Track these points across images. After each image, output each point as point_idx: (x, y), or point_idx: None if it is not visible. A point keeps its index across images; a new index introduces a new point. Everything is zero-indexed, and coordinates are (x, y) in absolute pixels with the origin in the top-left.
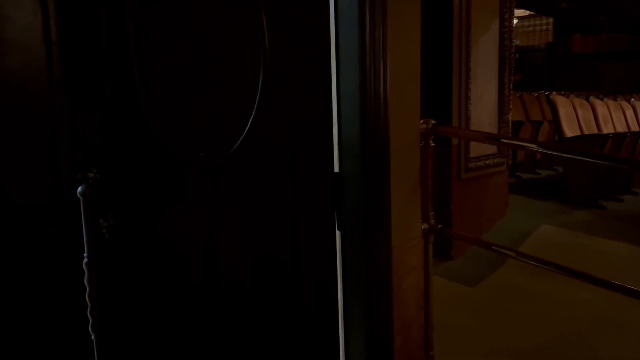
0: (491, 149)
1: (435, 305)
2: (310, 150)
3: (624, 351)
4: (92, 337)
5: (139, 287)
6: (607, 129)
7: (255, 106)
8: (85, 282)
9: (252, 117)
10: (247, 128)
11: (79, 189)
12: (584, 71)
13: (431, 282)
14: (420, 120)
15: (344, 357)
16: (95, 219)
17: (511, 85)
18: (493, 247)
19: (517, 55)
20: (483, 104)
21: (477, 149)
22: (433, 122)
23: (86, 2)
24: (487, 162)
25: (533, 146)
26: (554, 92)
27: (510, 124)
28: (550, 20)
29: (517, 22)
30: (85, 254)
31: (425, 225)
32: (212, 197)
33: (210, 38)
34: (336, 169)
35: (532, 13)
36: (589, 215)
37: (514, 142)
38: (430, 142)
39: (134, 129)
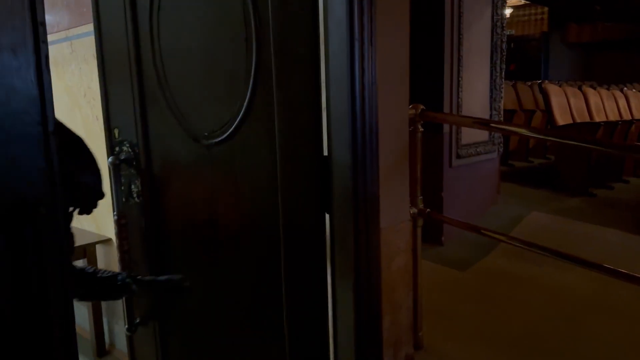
0: (483, 136)
1: (425, 289)
2: (298, 134)
3: (614, 333)
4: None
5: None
6: (599, 118)
7: (249, 92)
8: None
9: (246, 101)
10: (242, 111)
11: (109, 159)
12: (579, 61)
13: (420, 265)
14: (410, 105)
15: (332, 337)
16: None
17: (503, 73)
18: (481, 231)
19: (512, 44)
20: (475, 92)
21: (469, 136)
22: (422, 107)
23: None
24: (478, 149)
25: (523, 131)
26: (546, 81)
27: (501, 112)
28: (546, 9)
29: (512, 12)
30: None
31: (413, 209)
32: (212, 169)
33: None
34: (326, 153)
35: (527, 2)
36: (580, 203)
37: (503, 126)
38: (419, 127)
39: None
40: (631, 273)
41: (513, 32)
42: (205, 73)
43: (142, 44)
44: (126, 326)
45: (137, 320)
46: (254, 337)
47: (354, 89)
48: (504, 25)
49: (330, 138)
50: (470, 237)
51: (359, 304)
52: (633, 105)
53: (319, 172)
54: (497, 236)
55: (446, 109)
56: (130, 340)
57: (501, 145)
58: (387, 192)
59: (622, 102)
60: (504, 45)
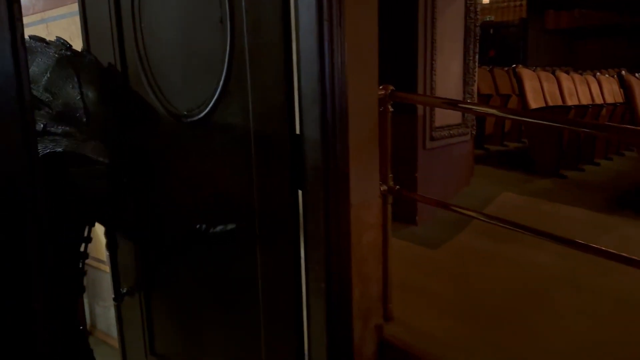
0: (456, 119)
1: (398, 267)
2: (271, 113)
3: (580, 305)
4: None
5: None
6: (571, 102)
7: (224, 72)
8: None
9: (221, 81)
10: (218, 91)
11: None
12: (558, 47)
13: (390, 240)
14: (380, 86)
15: (306, 305)
16: None
17: (476, 57)
18: (452, 207)
19: (492, 30)
20: (448, 75)
21: (442, 119)
22: (392, 88)
23: None
24: (451, 131)
25: (489, 110)
26: (520, 66)
27: (475, 95)
28: None
29: None
30: None
31: (384, 187)
32: (193, 146)
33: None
34: (298, 132)
35: None
36: (550, 184)
37: (470, 106)
38: (389, 107)
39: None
40: (590, 244)
41: (492, 18)
42: (184, 54)
43: (124, 26)
44: (113, 296)
45: (124, 291)
46: (232, 305)
47: (323, 69)
48: (477, 10)
49: (302, 117)
50: (443, 217)
51: (329, 276)
52: (606, 90)
53: (291, 150)
54: (464, 211)
55: (420, 92)
56: (117, 309)
57: (474, 128)
58: (358, 169)
59: (595, 87)
60: (477, 30)
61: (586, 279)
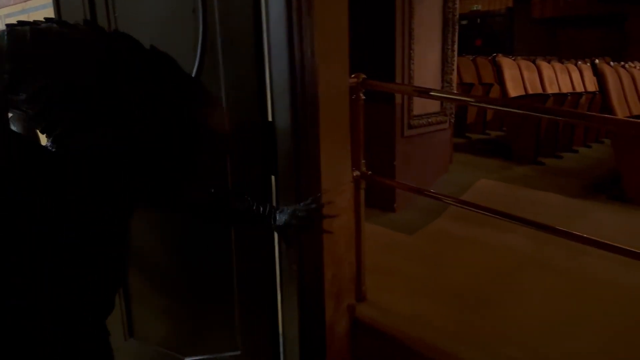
0: (434, 107)
1: (375, 251)
2: (244, 100)
3: (545, 284)
4: None
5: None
6: (552, 90)
7: (197, 61)
8: None
9: (194, 70)
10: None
11: None
12: (544, 36)
13: (363, 224)
14: (352, 75)
15: (279, 286)
16: None
17: (455, 46)
18: (425, 192)
19: (479, 20)
20: (426, 65)
21: (420, 107)
22: (363, 76)
23: None
24: (430, 120)
25: (463, 98)
26: (500, 55)
27: (454, 84)
28: None
29: None
30: None
31: (356, 172)
32: None
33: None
34: (271, 119)
35: None
36: (528, 171)
37: (442, 95)
38: (361, 95)
39: None
40: (557, 227)
41: (479, 7)
42: (158, 44)
43: (98, 15)
44: None
45: None
46: (207, 289)
47: (292, 58)
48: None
49: (274, 105)
50: (421, 204)
51: (301, 258)
52: (587, 78)
53: (263, 137)
54: (437, 196)
55: (398, 81)
56: None
57: (452, 116)
58: (329, 155)
59: (576, 76)
60: (455, 19)
61: (555, 261)
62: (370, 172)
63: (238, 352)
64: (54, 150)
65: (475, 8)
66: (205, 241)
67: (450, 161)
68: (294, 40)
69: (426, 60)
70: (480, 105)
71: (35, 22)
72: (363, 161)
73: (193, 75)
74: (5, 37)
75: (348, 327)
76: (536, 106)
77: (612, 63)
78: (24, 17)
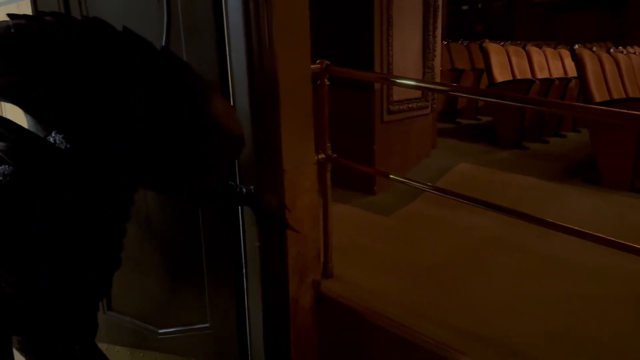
0: (415, 93)
1: (351, 232)
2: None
3: (510, 263)
4: None
5: None
6: (542, 75)
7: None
8: None
9: None
10: None
11: None
12: (544, 21)
13: (330, 204)
14: (317, 61)
15: (244, 262)
16: None
17: (437, 32)
18: (390, 176)
19: (479, 5)
20: (407, 51)
21: (400, 93)
22: (327, 62)
23: None
24: (410, 105)
25: (429, 86)
26: (486, 40)
27: (436, 70)
28: None
29: None
30: None
31: (322, 155)
32: None
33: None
34: (232, 104)
35: None
36: (510, 155)
37: (403, 81)
38: (325, 80)
39: None
40: (518, 209)
41: None
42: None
43: (71, 8)
44: None
45: None
46: (179, 266)
47: (250, 45)
48: None
49: (234, 90)
50: (400, 187)
51: (263, 236)
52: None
53: None
54: (403, 180)
55: (377, 68)
56: None
57: (434, 102)
58: (291, 138)
59: (568, 61)
60: (437, 5)
61: (524, 241)
62: (335, 155)
63: (207, 325)
64: (62, 146)
65: None
66: (176, 222)
67: (433, 146)
68: (250, 29)
69: (406, 47)
70: (449, 93)
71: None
72: (328, 144)
73: None
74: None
75: (313, 301)
76: (505, 94)
77: (612, 49)
78: (14, 6)
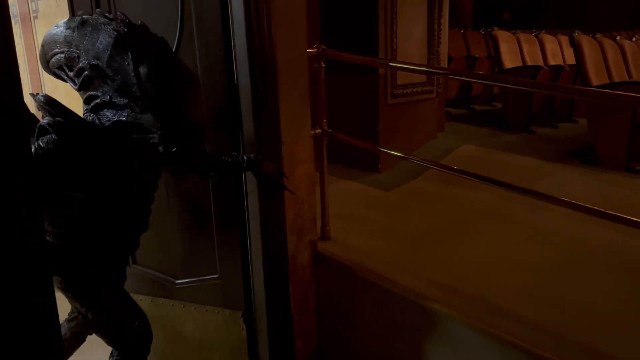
0: (420, 78)
1: (352, 204)
2: (214, 67)
3: (496, 232)
4: None
5: None
6: (555, 62)
7: (177, 34)
8: None
9: (175, 42)
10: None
11: None
12: (571, 8)
13: (326, 175)
14: (314, 45)
15: (247, 223)
16: None
17: (442, 20)
18: (381, 150)
19: None
20: (411, 38)
21: (405, 77)
22: (323, 47)
23: None
24: (415, 89)
25: (418, 68)
26: (495, 28)
27: (442, 57)
28: None
29: None
30: None
31: (319, 130)
32: None
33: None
34: (236, 82)
35: None
36: (517, 138)
37: (400, 65)
38: (322, 63)
39: None
40: (508, 182)
41: None
42: (147, 18)
43: (101, 3)
44: None
45: None
46: (192, 228)
47: (250, 30)
48: None
49: (237, 69)
50: (404, 166)
51: (264, 198)
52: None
53: (230, 97)
54: (394, 153)
55: (381, 54)
56: None
57: (440, 86)
58: (289, 113)
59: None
60: None
61: (515, 213)
62: (330, 130)
63: (217, 275)
64: (95, 122)
65: None
66: (189, 189)
67: (440, 129)
68: (251, 15)
69: (410, 34)
70: (446, 75)
71: (83, 14)
72: (325, 120)
73: (174, 46)
74: (65, 24)
75: (310, 258)
76: (504, 78)
77: (635, 37)
78: (53, 0)
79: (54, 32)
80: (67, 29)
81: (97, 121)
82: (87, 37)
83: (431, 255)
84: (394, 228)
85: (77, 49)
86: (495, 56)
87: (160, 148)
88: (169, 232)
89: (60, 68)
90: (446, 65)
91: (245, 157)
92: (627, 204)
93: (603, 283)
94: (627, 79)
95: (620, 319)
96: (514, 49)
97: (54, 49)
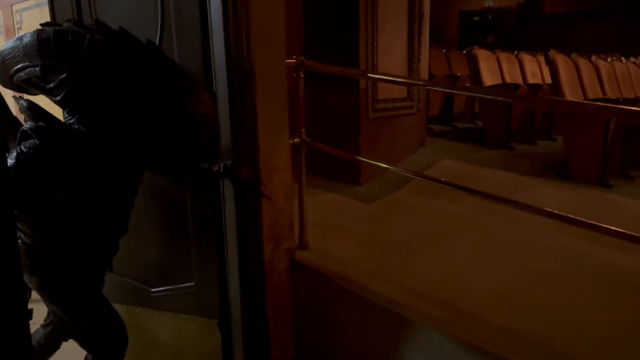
0: (401, 93)
1: (332, 214)
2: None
3: (471, 241)
4: None
5: None
6: (533, 82)
7: (157, 42)
8: None
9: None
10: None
11: None
12: (555, 32)
13: (304, 184)
14: (293, 56)
15: (224, 227)
16: None
17: (422, 38)
18: (357, 159)
19: (490, 16)
20: (392, 54)
21: (386, 92)
22: (302, 58)
23: None
24: (395, 104)
25: (393, 79)
26: (476, 47)
27: (422, 73)
28: None
29: None
30: None
31: (297, 139)
32: None
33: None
34: (215, 91)
35: None
36: (496, 154)
37: (377, 76)
38: (301, 74)
39: None
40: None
41: (491, 4)
42: (129, 28)
43: (83, 14)
44: None
45: None
46: (169, 235)
47: (228, 41)
48: None
49: (216, 78)
50: (385, 179)
51: (241, 204)
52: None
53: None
54: (373, 162)
55: (362, 68)
56: None
57: (420, 101)
58: (266, 121)
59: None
60: (422, 13)
61: (491, 224)
62: (308, 140)
63: (193, 283)
64: (78, 128)
65: (487, 5)
66: (166, 196)
67: (422, 144)
68: (229, 25)
69: (391, 50)
70: (421, 86)
71: (57, 24)
72: (303, 130)
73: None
74: (35, 37)
75: (287, 266)
76: (470, 87)
77: (622, 59)
78: (37, 11)
79: (17, 45)
80: (38, 40)
81: (79, 127)
82: (66, 48)
83: (407, 263)
84: (372, 237)
85: (56, 61)
86: (475, 74)
87: (141, 153)
88: (145, 240)
89: (27, 81)
90: None
91: (222, 164)
92: (598, 217)
93: (574, 290)
94: (601, 96)
95: (589, 324)
96: (493, 68)
97: (20, 63)
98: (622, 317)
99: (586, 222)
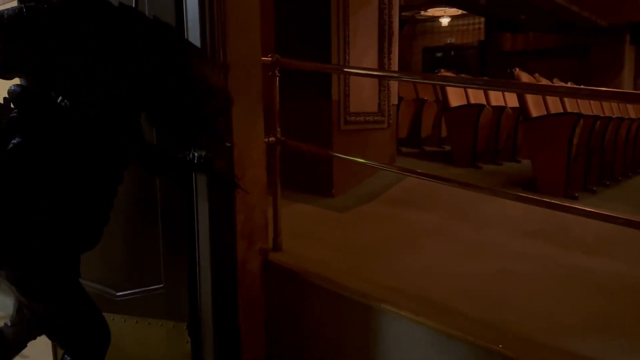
0: (372, 107)
1: (306, 223)
2: None
3: (441, 247)
4: None
5: None
6: (496, 103)
7: None
8: None
9: None
10: None
11: None
12: (514, 67)
13: (279, 183)
14: (269, 55)
15: (197, 224)
16: None
17: (391, 55)
18: (336, 155)
19: (453, 52)
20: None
21: (357, 105)
22: (277, 56)
23: None
24: (367, 118)
25: (365, 72)
26: (443, 70)
27: (390, 89)
28: (482, 19)
29: (452, 21)
30: None
31: (272, 138)
32: None
33: None
34: None
35: (465, 13)
36: (462, 172)
37: (351, 70)
38: (277, 72)
39: None
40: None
41: (453, 40)
42: None
43: None
44: None
45: None
46: (136, 232)
47: (203, 33)
48: (392, 12)
49: None
50: (358, 191)
51: (214, 198)
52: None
53: None
54: (350, 158)
55: (334, 85)
56: None
57: (391, 117)
58: (240, 116)
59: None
60: (392, 31)
61: (462, 231)
62: (283, 138)
63: (161, 285)
64: (64, 104)
65: (449, 41)
66: (134, 192)
67: (392, 162)
68: (205, 19)
69: (362, 64)
70: (396, 79)
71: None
72: (278, 128)
73: None
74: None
75: (260, 266)
76: (434, 75)
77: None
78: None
79: None
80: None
81: (64, 102)
82: (33, 28)
83: (381, 265)
84: (346, 243)
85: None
86: (443, 97)
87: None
88: (111, 239)
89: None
90: (396, 102)
91: (196, 155)
92: (566, 223)
93: (543, 287)
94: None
95: (559, 316)
96: (459, 92)
97: None
98: (589, 310)
99: (571, 206)
